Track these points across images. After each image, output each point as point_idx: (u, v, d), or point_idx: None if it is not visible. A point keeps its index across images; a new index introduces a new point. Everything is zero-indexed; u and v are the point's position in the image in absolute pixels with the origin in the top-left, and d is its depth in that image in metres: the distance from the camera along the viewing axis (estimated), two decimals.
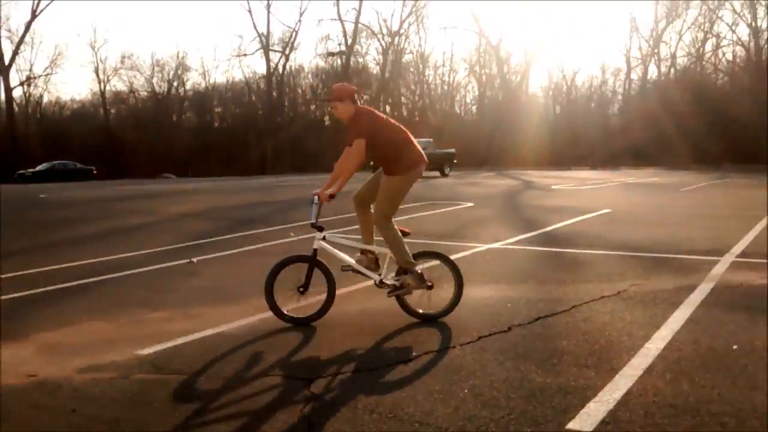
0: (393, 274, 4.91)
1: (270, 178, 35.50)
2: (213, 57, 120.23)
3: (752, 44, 50.44)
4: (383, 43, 58.41)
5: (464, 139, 47.63)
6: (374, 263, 4.98)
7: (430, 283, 4.92)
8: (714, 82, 52.97)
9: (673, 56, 55.34)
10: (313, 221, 4.81)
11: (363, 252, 4.99)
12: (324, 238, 4.86)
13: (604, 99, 57.81)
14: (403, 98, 62.13)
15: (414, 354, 4.03)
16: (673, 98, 47.38)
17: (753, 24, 49.97)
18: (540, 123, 50.95)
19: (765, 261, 6.97)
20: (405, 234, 4.95)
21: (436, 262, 5.12)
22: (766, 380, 3.46)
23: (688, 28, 54.47)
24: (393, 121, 5.07)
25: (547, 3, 75.13)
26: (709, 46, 54.67)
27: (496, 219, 11.99)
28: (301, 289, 4.78)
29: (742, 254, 7.46)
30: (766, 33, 50.08)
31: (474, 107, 62.02)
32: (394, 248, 4.84)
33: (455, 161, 31.61)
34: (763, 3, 49.52)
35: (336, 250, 4.90)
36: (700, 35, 54.22)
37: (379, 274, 4.92)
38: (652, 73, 56.09)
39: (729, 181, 24.46)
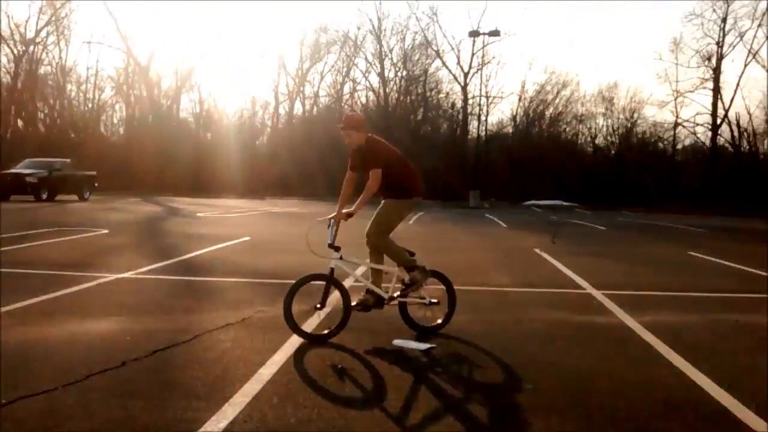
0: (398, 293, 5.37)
1: None
2: None
3: (381, 90, 56.89)
4: (15, 51, 52.38)
5: (110, 161, 44.91)
6: (380, 282, 5.46)
7: (435, 300, 5.39)
8: None
9: (316, 95, 59.59)
10: (330, 242, 5.22)
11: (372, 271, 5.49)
12: (341, 258, 5.25)
13: (254, 130, 59.55)
14: (40, 113, 56.26)
15: (3, 401, 3.54)
16: (315, 134, 50.95)
17: (382, 73, 56.46)
18: (191, 149, 50.49)
19: None
20: (411, 254, 5.42)
21: (434, 280, 5.48)
22: (359, 397, 3.80)
23: (329, 70, 59.32)
24: (395, 149, 5.59)
25: (199, 31, 75.43)
26: (347, 89, 60.14)
27: (131, 247, 11.43)
28: (318, 306, 5.10)
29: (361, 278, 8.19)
30: (392, 82, 56.98)
31: (122, 128, 58.96)
32: (393, 255, 5.39)
33: (96, 184, 29.60)
34: (390, 55, 56.42)
35: (351, 270, 5.43)
36: (340, 78, 59.41)
37: (387, 292, 5.35)
38: (298, 109, 59.63)
39: (359, 211, 26.97)
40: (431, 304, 5.42)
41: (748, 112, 55.62)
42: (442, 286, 5.59)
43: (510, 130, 58.18)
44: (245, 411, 3.49)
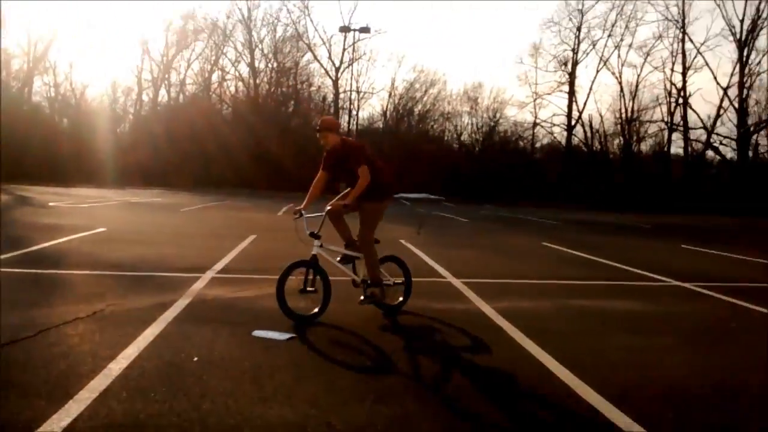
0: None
1: None
2: None
3: (251, 81, 55.91)
4: None
5: None
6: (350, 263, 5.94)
7: (400, 281, 6.13)
8: (219, 111, 56.86)
9: (183, 83, 57.61)
10: (314, 231, 5.71)
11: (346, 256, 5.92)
12: (321, 246, 5.69)
13: (115, 117, 56.62)
14: None
15: None
16: (181, 123, 49.24)
17: (252, 64, 55.48)
18: (45, 135, 47.26)
19: (240, 276, 7.62)
20: (376, 241, 5.89)
21: (392, 264, 6.21)
22: (214, 389, 3.71)
23: (196, 58, 57.50)
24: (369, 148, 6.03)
25: (55, 9, 70.78)
26: (215, 78, 58.55)
27: None
28: (309, 289, 5.55)
29: (222, 270, 8.01)
30: (262, 73, 56.15)
31: None
32: (370, 265, 5.78)
33: None
34: (261, 46, 55.56)
35: (329, 257, 5.79)
36: (208, 66, 57.71)
37: (358, 276, 5.91)
38: (163, 96, 57.35)
39: (227, 203, 26.41)
40: (395, 284, 6.06)
41: (600, 115, 59.69)
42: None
43: (380, 125, 59.06)
44: (91, 407, 3.31)
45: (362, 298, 5.83)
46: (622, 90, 52.90)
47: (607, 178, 52.16)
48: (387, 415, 3.43)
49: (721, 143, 52.07)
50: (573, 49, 53.75)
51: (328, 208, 5.74)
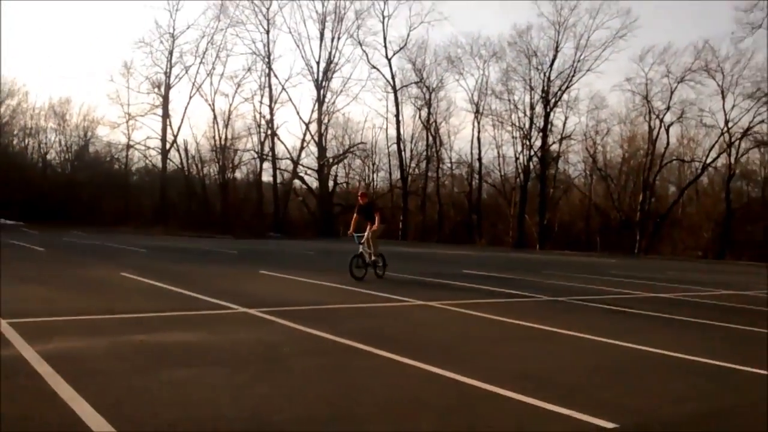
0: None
1: None
2: None
3: None
4: None
5: None
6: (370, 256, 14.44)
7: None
8: None
9: None
10: (360, 242, 14.01)
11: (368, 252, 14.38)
12: (363, 247, 14.01)
13: None
14: None
15: None
16: None
17: None
18: None
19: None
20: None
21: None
22: None
23: None
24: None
25: None
26: None
27: None
28: (360, 266, 13.75)
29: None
30: None
31: None
32: (375, 250, 14.19)
33: None
34: None
35: (365, 252, 14.17)
36: None
37: (371, 264, 14.32)
38: None
39: None
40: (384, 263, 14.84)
41: (196, 141, 59.90)
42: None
43: None
44: None
45: (379, 266, 14.48)
46: (215, 118, 54.21)
47: (205, 203, 52.97)
48: None
49: (306, 173, 57.06)
50: (166, 73, 53.40)
51: (368, 234, 13.98)
